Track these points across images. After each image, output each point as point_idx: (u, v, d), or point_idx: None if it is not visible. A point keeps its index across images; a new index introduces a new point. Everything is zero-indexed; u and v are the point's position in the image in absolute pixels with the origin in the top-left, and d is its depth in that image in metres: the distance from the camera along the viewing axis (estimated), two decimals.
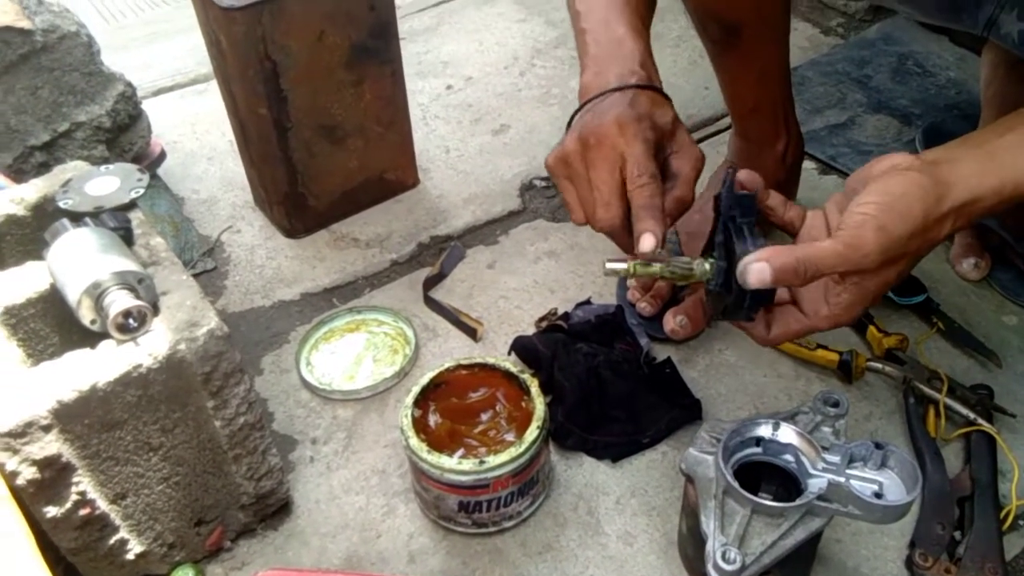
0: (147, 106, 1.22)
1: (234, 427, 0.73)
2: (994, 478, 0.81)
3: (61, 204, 0.74)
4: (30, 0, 1.03)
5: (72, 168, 0.81)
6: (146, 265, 0.72)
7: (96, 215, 0.74)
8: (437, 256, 1.11)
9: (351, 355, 0.99)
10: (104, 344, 0.66)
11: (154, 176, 1.22)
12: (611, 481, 0.85)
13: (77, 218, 0.73)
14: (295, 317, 1.05)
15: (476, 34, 1.59)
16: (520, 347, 0.95)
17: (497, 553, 0.80)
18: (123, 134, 1.15)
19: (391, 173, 1.20)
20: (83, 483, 0.66)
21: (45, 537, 0.66)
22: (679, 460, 0.70)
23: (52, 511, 0.65)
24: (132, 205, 0.77)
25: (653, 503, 0.83)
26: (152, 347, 0.66)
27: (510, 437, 0.78)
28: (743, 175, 0.63)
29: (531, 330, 1.00)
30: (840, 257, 0.56)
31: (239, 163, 1.19)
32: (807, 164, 1.17)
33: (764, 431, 0.69)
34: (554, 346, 0.92)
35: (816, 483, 0.65)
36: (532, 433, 0.75)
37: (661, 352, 0.96)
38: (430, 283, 1.07)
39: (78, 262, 0.67)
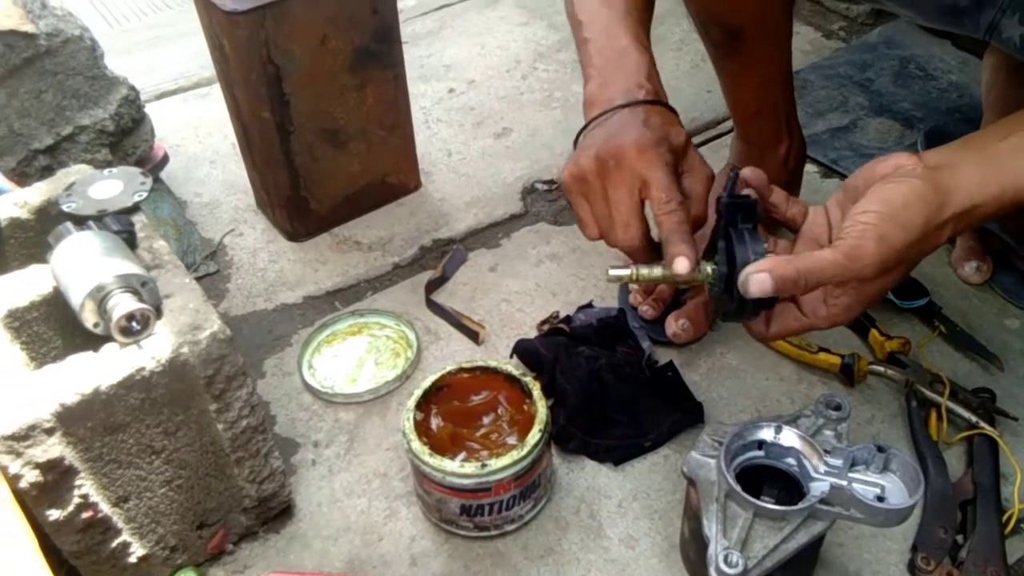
0: (150, 110, 1.22)
1: (236, 430, 0.73)
2: (996, 482, 0.81)
3: (64, 207, 0.74)
4: (34, 4, 1.03)
5: (76, 172, 0.81)
6: (149, 268, 0.72)
7: (99, 218, 0.74)
8: (439, 259, 1.11)
9: (353, 358, 0.99)
10: (107, 347, 0.66)
11: (157, 179, 1.22)
12: (613, 484, 0.85)
13: (80, 221, 0.73)
14: (297, 320, 1.05)
15: (478, 38, 1.59)
16: (522, 350, 0.95)
17: (499, 556, 0.80)
18: (126, 138, 1.15)
19: (393, 176, 1.20)
20: (86, 486, 0.66)
21: (47, 540, 0.66)
22: (681, 463, 0.70)
23: (55, 514, 0.65)
24: (135, 208, 0.77)
25: (655, 506, 0.83)
26: (155, 350, 0.66)
27: (512, 440, 0.78)
28: (747, 172, 0.63)
29: (533, 333, 1.00)
30: (840, 267, 0.57)
31: (242, 167, 1.19)
32: (809, 167, 1.17)
33: (766, 434, 0.69)
34: (556, 349, 0.93)
35: (818, 487, 0.65)
36: (534, 436, 0.76)
37: (663, 355, 0.96)
38: (432, 286, 1.08)
39: (81, 265, 0.67)
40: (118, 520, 0.70)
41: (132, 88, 1.14)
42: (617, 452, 0.87)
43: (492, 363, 0.83)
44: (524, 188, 1.23)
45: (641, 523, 0.82)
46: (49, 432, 0.62)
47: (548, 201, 1.21)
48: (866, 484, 0.64)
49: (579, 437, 0.87)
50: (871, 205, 0.58)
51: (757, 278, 0.57)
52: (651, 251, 0.68)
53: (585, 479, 0.86)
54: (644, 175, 0.65)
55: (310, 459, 0.89)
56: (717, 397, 0.92)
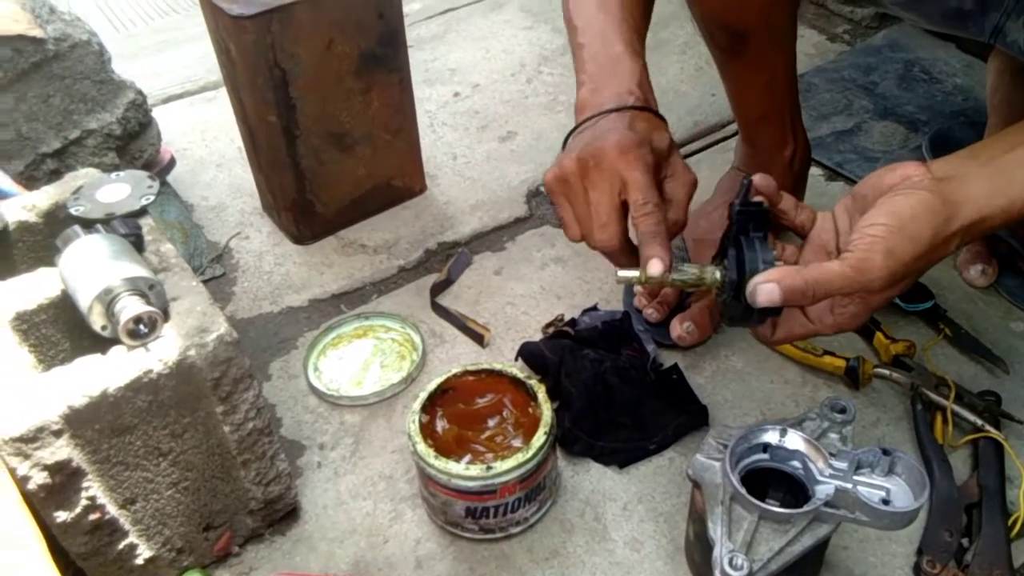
0: (157, 113, 1.23)
1: (243, 432, 0.74)
2: (1002, 485, 0.81)
3: (72, 211, 0.74)
4: (42, 9, 1.04)
5: (83, 175, 0.82)
6: (156, 271, 0.73)
7: (107, 222, 0.74)
8: (444, 262, 1.12)
9: (359, 361, 0.99)
10: (115, 350, 0.66)
11: (164, 183, 1.23)
12: (618, 487, 0.85)
13: (88, 225, 0.74)
14: (303, 323, 1.06)
15: (483, 41, 1.59)
16: (527, 353, 0.95)
17: (504, 559, 0.80)
18: (133, 141, 1.16)
19: (399, 180, 1.20)
20: (93, 488, 0.66)
21: (55, 542, 0.67)
22: (686, 466, 0.70)
23: (62, 516, 0.65)
24: (143, 212, 0.78)
25: (660, 509, 0.83)
26: (162, 353, 0.66)
27: (517, 443, 0.78)
28: (757, 179, 0.64)
29: (538, 336, 1.00)
30: (848, 280, 0.57)
31: (248, 170, 1.19)
32: (814, 170, 1.17)
33: (771, 437, 0.69)
34: (561, 352, 0.93)
35: (823, 489, 0.65)
36: (539, 439, 0.76)
37: (668, 358, 0.96)
38: (437, 289, 1.08)
39: (89, 268, 0.68)
40: (125, 522, 0.71)
41: (139, 92, 1.15)
42: (622, 455, 0.87)
43: (497, 366, 0.83)
44: (529, 191, 1.24)
45: (646, 526, 0.82)
46: (57, 434, 0.62)
47: (552, 204, 1.21)
48: (871, 487, 0.64)
49: (584, 440, 0.87)
50: (879, 218, 0.58)
51: (765, 288, 0.58)
52: (629, 253, 0.68)
53: (590, 482, 0.86)
54: (623, 176, 0.66)
55: (316, 461, 0.90)
56: (722, 400, 0.93)
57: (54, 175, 1.05)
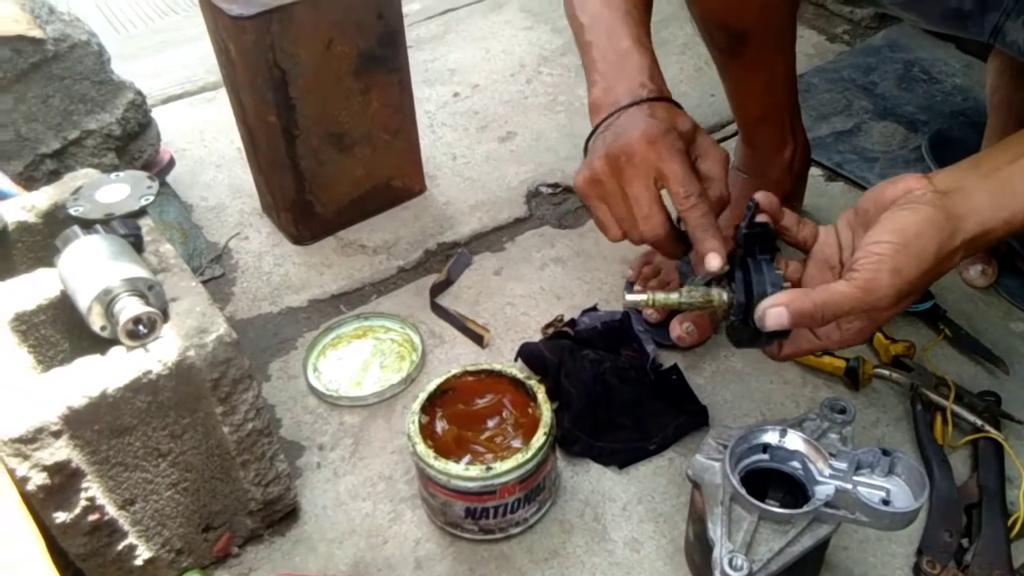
0: (156, 114, 1.23)
1: (242, 433, 0.74)
2: (1002, 485, 0.81)
3: (72, 211, 0.74)
4: (42, 10, 1.04)
5: (82, 175, 0.82)
6: (156, 272, 0.73)
7: (106, 222, 0.74)
8: (444, 263, 1.12)
9: (358, 361, 0.99)
10: (114, 350, 0.66)
11: (163, 184, 1.23)
12: (618, 487, 0.85)
13: (87, 225, 0.74)
14: (302, 323, 1.06)
15: (483, 42, 1.59)
16: (527, 353, 0.95)
17: (504, 559, 0.80)
18: (133, 142, 1.16)
19: (398, 180, 1.20)
20: (92, 489, 0.66)
21: (54, 542, 0.67)
22: (686, 466, 0.70)
23: (61, 517, 0.65)
24: (142, 212, 0.78)
25: (660, 509, 0.83)
26: (162, 353, 0.66)
27: (517, 443, 0.78)
28: (760, 196, 0.64)
29: (537, 336, 1.00)
30: (857, 301, 0.57)
31: (247, 170, 1.19)
32: (813, 171, 1.17)
33: (771, 438, 0.69)
34: (561, 353, 0.93)
35: (823, 490, 0.65)
36: (539, 439, 0.76)
37: (667, 359, 0.96)
38: (437, 290, 1.08)
39: (88, 269, 0.67)
40: (124, 523, 0.70)
41: (138, 93, 1.15)
42: (622, 455, 0.87)
43: (497, 366, 0.83)
44: (528, 192, 1.24)
45: (646, 526, 0.82)
46: (56, 435, 0.62)
47: (552, 205, 1.22)
48: (871, 487, 0.64)
49: (584, 440, 0.87)
50: (884, 235, 0.58)
51: (774, 312, 0.58)
52: (676, 240, 0.67)
53: (590, 482, 0.86)
54: (658, 166, 0.65)
55: (315, 462, 0.90)
56: (722, 400, 0.92)
57: (53, 176, 1.05)
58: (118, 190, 0.78)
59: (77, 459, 0.64)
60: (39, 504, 0.63)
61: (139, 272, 0.68)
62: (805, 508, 0.64)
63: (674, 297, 0.65)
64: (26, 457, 0.61)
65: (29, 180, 1.04)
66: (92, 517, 0.67)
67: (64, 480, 0.64)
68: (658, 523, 0.82)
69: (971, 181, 0.60)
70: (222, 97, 1.24)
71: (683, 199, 0.65)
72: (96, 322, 0.66)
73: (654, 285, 1.00)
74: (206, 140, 1.37)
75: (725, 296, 0.64)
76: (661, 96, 0.70)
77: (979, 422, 0.85)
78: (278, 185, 1.11)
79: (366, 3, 1.03)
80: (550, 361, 0.92)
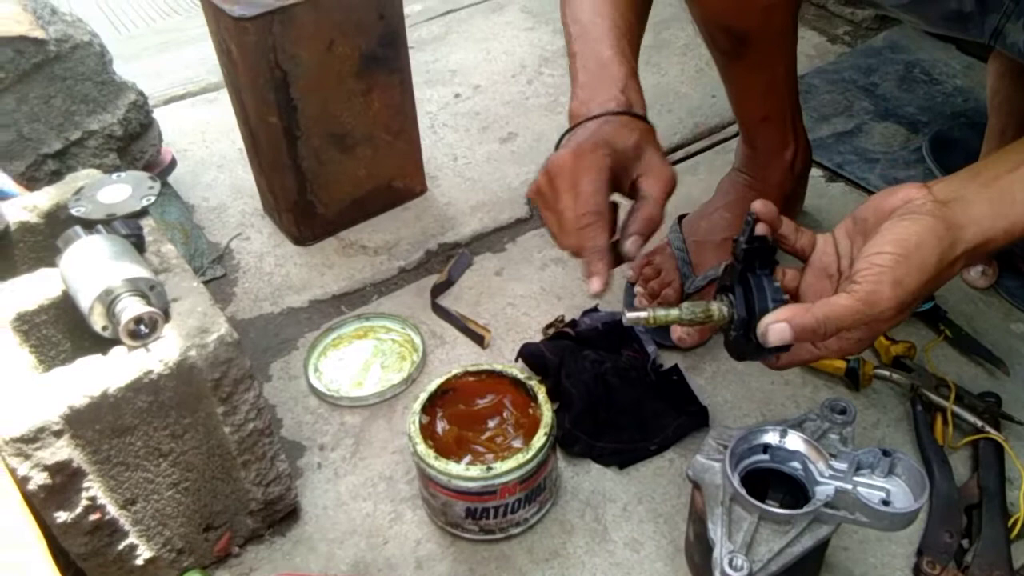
0: (158, 115, 1.23)
1: (243, 433, 0.74)
2: (1002, 486, 0.81)
3: (73, 211, 0.75)
4: (44, 10, 1.04)
5: (84, 176, 0.82)
6: (157, 272, 0.73)
7: (108, 222, 0.75)
8: (445, 263, 1.12)
9: (359, 362, 0.99)
10: (115, 350, 0.66)
11: (165, 184, 1.23)
12: (618, 488, 0.85)
13: (89, 225, 0.74)
14: (304, 324, 1.06)
15: (484, 43, 1.59)
16: (527, 354, 0.95)
17: (504, 560, 0.80)
18: (134, 142, 1.16)
19: (399, 181, 1.20)
20: (93, 488, 0.66)
21: (55, 542, 0.67)
22: (686, 467, 0.71)
23: (62, 516, 0.65)
24: (143, 212, 0.78)
25: (660, 510, 0.83)
26: (163, 353, 0.66)
27: (517, 444, 0.78)
28: (758, 205, 0.64)
29: (538, 337, 1.00)
30: (859, 314, 0.57)
31: (248, 171, 1.19)
32: (814, 172, 1.17)
33: (771, 438, 0.69)
34: (561, 353, 0.93)
35: (823, 490, 0.65)
36: (539, 440, 0.76)
37: (668, 359, 0.96)
38: (438, 290, 1.08)
39: (90, 269, 0.68)
40: (125, 522, 0.71)
41: (140, 93, 1.15)
42: (622, 456, 0.87)
43: (497, 367, 0.83)
44: None
45: (646, 527, 0.82)
46: (57, 434, 0.62)
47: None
48: (871, 488, 0.64)
49: (584, 440, 0.87)
50: (885, 246, 0.58)
51: (776, 328, 0.58)
52: (599, 259, 0.68)
53: (590, 482, 0.86)
54: (574, 181, 0.67)
55: (316, 462, 0.90)
56: (722, 401, 0.93)
57: (55, 176, 1.05)
58: (120, 190, 0.78)
59: (78, 459, 0.64)
60: (40, 504, 0.63)
61: (141, 272, 0.68)
62: (805, 509, 0.64)
63: (675, 313, 0.65)
64: (27, 457, 0.61)
65: (31, 180, 1.04)
66: (93, 517, 0.67)
67: (65, 480, 0.64)
68: (658, 523, 0.82)
69: (971, 191, 0.60)
70: (224, 98, 1.25)
71: (579, 218, 0.67)
72: (98, 322, 0.66)
73: (655, 287, 1.00)
74: (208, 141, 1.38)
75: (726, 311, 0.64)
76: (626, 109, 0.70)
77: (979, 423, 0.85)
78: (279, 186, 1.12)
79: (367, 4, 1.03)
80: (551, 361, 0.92)
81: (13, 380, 0.64)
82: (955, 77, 1.40)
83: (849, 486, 0.64)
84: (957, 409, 0.86)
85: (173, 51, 1.65)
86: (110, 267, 0.67)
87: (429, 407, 0.80)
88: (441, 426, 0.80)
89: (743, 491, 0.65)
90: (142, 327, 0.66)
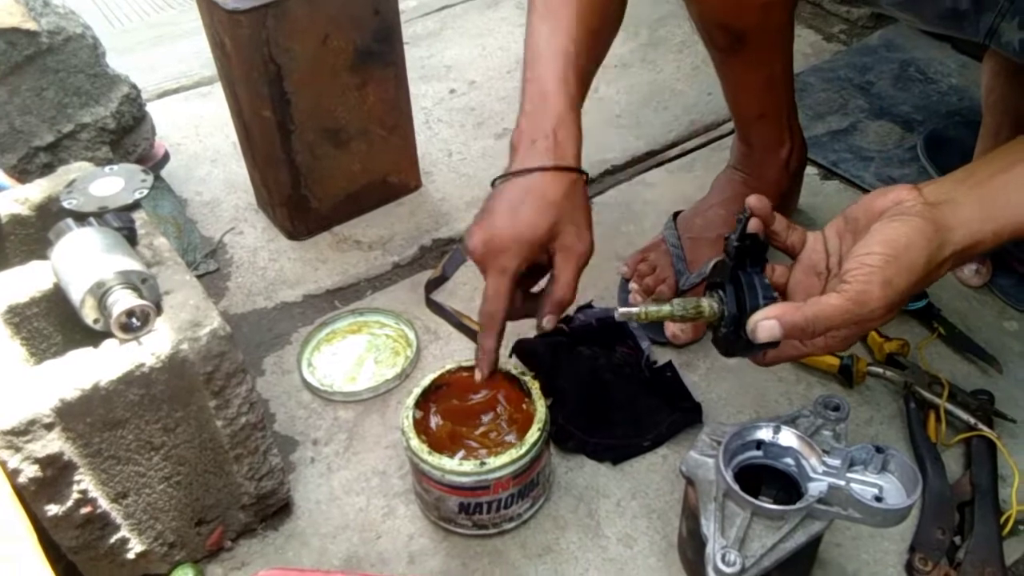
0: (152, 108, 1.22)
1: (235, 427, 0.73)
2: (994, 483, 0.81)
3: (65, 204, 0.74)
4: (36, 2, 1.03)
5: (76, 169, 0.82)
6: (150, 265, 0.73)
7: (100, 215, 0.74)
8: (439, 259, 1.11)
9: (353, 357, 0.99)
10: (107, 343, 0.66)
11: (158, 178, 1.22)
12: (611, 484, 0.85)
13: (81, 218, 0.73)
14: (297, 319, 1.05)
15: (479, 38, 1.59)
16: (521, 350, 0.95)
17: (497, 555, 0.80)
18: (127, 136, 1.15)
19: (394, 176, 1.20)
20: (84, 482, 0.66)
21: (46, 535, 0.66)
22: (679, 463, 0.70)
23: (53, 509, 0.65)
24: (136, 205, 0.77)
25: (653, 506, 0.83)
26: (155, 346, 0.66)
27: (511, 439, 0.78)
28: (752, 200, 0.64)
29: (532, 333, 0.99)
30: (848, 314, 0.58)
31: (242, 165, 1.19)
32: (809, 169, 1.17)
33: (765, 434, 0.69)
34: (556, 349, 0.93)
35: (816, 486, 0.65)
36: (533, 435, 0.76)
37: (662, 356, 0.96)
38: (432, 286, 1.07)
39: (82, 261, 0.67)
40: (117, 516, 0.70)
41: (133, 86, 1.14)
42: (616, 451, 0.87)
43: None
44: None
45: (639, 522, 0.82)
46: (48, 427, 0.62)
47: None
48: (864, 484, 0.64)
49: (578, 436, 0.87)
50: (874, 247, 0.58)
51: (766, 325, 0.59)
52: (494, 353, 0.76)
53: (584, 478, 0.86)
54: (484, 275, 0.73)
55: (309, 457, 0.89)
56: (716, 397, 0.93)
57: (47, 169, 1.04)
58: (112, 183, 0.77)
59: (69, 452, 0.64)
60: (31, 497, 0.63)
61: (133, 265, 0.68)
62: (798, 504, 0.64)
63: (667, 309, 0.66)
64: (18, 449, 0.61)
65: (23, 173, 1.04)
66: (84, 510, 0.67)
67: (56, 473, 0.64)
68: (651, 519, 0.82)
69: (960, 193, 0.61)
70: (217, 92, 1.24)
71: (481, 313, 0.74)
72: (89, 315, 0.66)
73: (650, 283, 1.00)
74: (201, 135, 1.37)
75: (716, 307, 0.65)
76: (553, 164, 0.72)
77: (972, 420, 0.85)
78: (273, 180, 1.11)
79: None
80: (545, 357, 0.92)
81: (4, 373, 0.64)
82: (950, 76, 1.40)
83: (842, 482, 0.64)
84: (950, 406, 0.86)
85: (167, 45, 1.64)
86: (102, 260, 0.67)
87: (423, 402, 0.80)
88: (435, 421, 0.80)
89: (736, 487, 0.65)
90: (134, 320, 0.66)
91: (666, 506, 0.83)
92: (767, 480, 0.71)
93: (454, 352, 1.00)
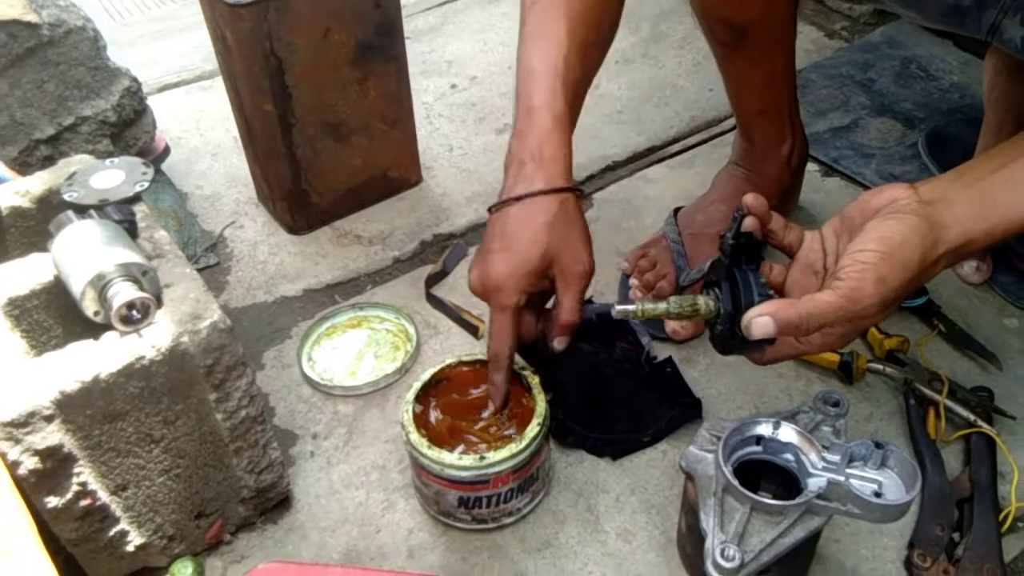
0: (152, 102, 1.22)
1: (235, 420, 0.73)
2: (994, 480, 0.81)
3: (66, 197, 0.74)
4: None
5: (77, 161, 0.82)
6: (150, 258, 0.73)
7: (101, 208, 0.74)
8: (439, 254, 1.11)
9: (353, 351, 0.99)
10: (107, 336, 0.66)
11: (158, 171, 1.22)
12: (611, 479, 0.85)
13: (82, 210, 0.73)
14: (297, 313, 1.05)
15: (481, 34, 1.59)
16: (521, 344, 0.95)
17: (496, 549, 0.80)
18: (128, 129, 1.15)
19: (395, 171, 1.20)
20: (84, 474, 0.66)
21: (46, 527, 0.67)
22: (679, 458, 0.70)
23: (53, 501, 0.65)
24: (136, 198, 0.77)
25: (653, 501, 0.83)
26: (155, 339, 0.66)
27: (511, 433, 0.78)
28: (749, 199, 0.64)
29: None
30: (842, 310, 0.58)
31: (243, 159, 1.19)
32: (810, 166, 1.16)
33: (764, 430, 0.69)
34: None
35: (816, 482, 0.65)
36: (533, 430, 0.76)
37: (662, 351, 0.96)
38: (432, 280, 1.08)
39: (82, 254, 0.67)
40: (116, 508, 0.70)
41: (134, 79, 1.14)
42: (615, 447, 0.87)
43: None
44: None
45: (639, 517, 0.82)
46: (48, 419, 0.62)
47: None
48: (863, 480, 0.64)
49: (578, 431, 0.87)
50: (869, 244, 0.59)
51: (760, 322, 0.59)
52: (505, 385, 0.77)
53: (583, 473, 0.86)
54: (490, 315, 0.75)
55: (309, 451, 0.89)
56: (716, 393, 0.93)
57: (48, 161, 1.04)
58: (113, 176, 0.77)
59: (69, 444, 0.64)
60: (31, 489, 0.63)
61: (133, 257, 0.68)
62: (797, 500, 0.64)
63: (663, 307, 0.67)
64: (18, 441, 0.61)
65: (23, 166, 1.03)
66: (84, 502, 0.67)
67: (56, 465, 0.64)
68: (651, 514, 0.82)
69: (954, 191, 0.61)
70: (218, 86, 1.24)
71: (488, 350, 0.76)
72: (89, 307, 0.66)
73: (650, 279, 1.00)
74: (202, 129, 1.37)
75: (712, 305, 0.66)
76: (541, 189, 0.72)
77: (972, 417, 0.85)
78: (274, 174, 1.11)
79: None
80: (545, 353, 0.92)
81: (4, 365, 0.64)
82: (952, 73, 1.40)
83: (841, 478, 0.64)
84: (950, 403, 0.86)
85: (168, 39, 1.64)
86: (102, 252, 0.67)
87: (422, 396, 0.80)
88: (434, 415, 0.80)
89: (735, 482, 0.65)
90: (134, 312, 0.66)
91: (665, 501, 0.83)
92: (766, 475, 0.71)
93: (454, 347, 1.00)
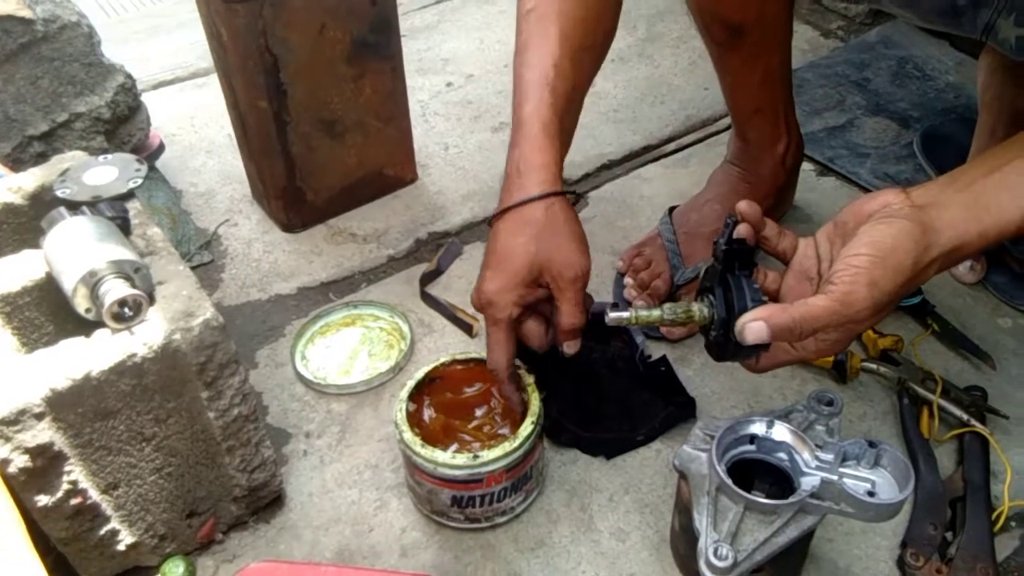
0: (147, 99, 1.22)
1: (228, 418, 0.73)
2: (987, 479, 0.81)
3: (59, 193, 0.74)
4: None
5: (70, 158, 0.81)
6: (143, 255, 0.72)
7: (93, 204, 0.74)
8: (434, 252, 1.11)
9: (346, 349, 0.99)
10: (99, 333, 0.66)
11: (152, 168, 1.22)
12: (604, 478, 0.85)
13: (74, 207, 0.73)
14: (291, 311, 1.05)
15: (477, 32, 1.59)
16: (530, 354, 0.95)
17: (489, 548, 0.80)
18: (122, 126, 1.14)
19: (390, 169, 1.20)
20: (75, 472, 0.66)
21: (35, 526, 0.66)
22: (673, 457, 0.70)
23: (43, 500, 0.65)
24: (130, 195, 0.77)
25: (646, 500, 0.83)
26: (147, 336, 0.66)
27: (504, 432, 0.78)
28: (743, 206, 0.64)
29: None
30: (835, 314, 0.58)
31: (237, 157, 1.18)
32: (805, 166, 1.17)
33: (758, 429, 0.69)
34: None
35: (809, 481, 0.65)
36: (526, 428, 0.75)
37: (656, 350, 0.96)
38: (427, 279, 1.07)
39: (74, 250, 0.67)
40: (107, 507, 0.70)
41: (128, 76, 1.14)
42: (609, 446, 0.87)
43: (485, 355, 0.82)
44: None
45: (632, 516, 0.82)
46: (39, 417, 0.62)
47: None
48: (857, 479, 0.64)
49: (571, 430, 0.87)
50: (861, 248, 0.59)
51: (754, 327, 0.59)
52: (511, 381, 0.77)
53: (577, 472, 0.86)
54: (488, 329, 0.75)
55: (302, 449, 0.89)
56: (710, 392, 0.93)
57: (41, 158, 1.04)
58: (106, 172, 0.77)
59: (60, 442, 0.64)
60: (20, 487, 0.63)
61: (125, 254, 0.67)
62: (791, 499, 0.64)
63: (656, 313, 0.67)
64: (8, 439, 0.61)
65: (16, 162, 1.03)
66: (74, 501, 0.67)
67: (46, 463, 0.63)
68: (644, 513, 0.82)
69: (947, 195, 0.61)
70: (213, 83, 1.24)
71: (487, 365, 0.77)
72: (81, 304, 0.66)
73: (645, 278, 1.00)
74: (196, 126, 1.36)
75: (706, 311, 0.66)
76: (537, 195, 0.72)
77: (965, 416, 0.85)
78: (268, 172, 1.11)
79: None
80: (539, 351, 0.92)
81: None
82: (947, 73, 1.40)
83: (835, 477, 0.64)
84: (943, 403, 0.87)
85: (163, 36, 1.63)
86: (94, 249, 0.67)
87: (416, 395, 0.80)
88: (428, 414, 0.79)
89: (729, 481, 0.65)
90: (126, 310, 0.65)
91: (659, 500, 0.83)
92: (760, 474, 0.71)
93: (448, 345, 0.99)
